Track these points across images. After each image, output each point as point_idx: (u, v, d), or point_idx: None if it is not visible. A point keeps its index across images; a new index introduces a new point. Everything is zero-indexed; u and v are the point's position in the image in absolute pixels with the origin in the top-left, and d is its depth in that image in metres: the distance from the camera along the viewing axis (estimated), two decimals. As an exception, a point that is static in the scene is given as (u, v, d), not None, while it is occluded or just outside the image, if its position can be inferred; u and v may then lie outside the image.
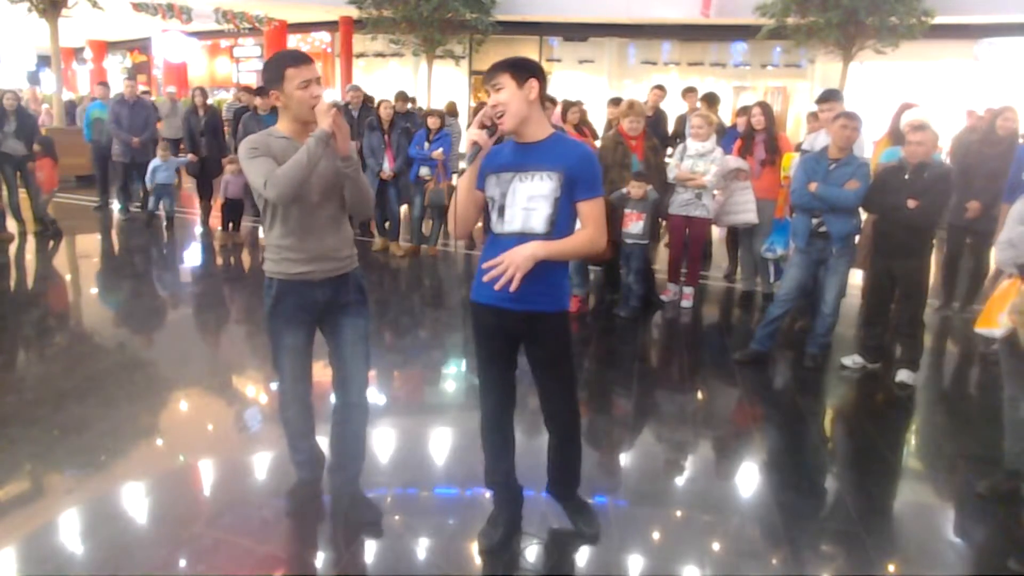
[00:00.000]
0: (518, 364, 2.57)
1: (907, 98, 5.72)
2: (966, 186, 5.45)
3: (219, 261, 7.23)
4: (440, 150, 6.84)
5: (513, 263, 2.25)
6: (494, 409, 2.61)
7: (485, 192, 2.45)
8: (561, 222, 2.36)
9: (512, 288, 2.26)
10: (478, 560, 2.64)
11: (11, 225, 7.50)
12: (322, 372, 2.92)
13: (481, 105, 8.58)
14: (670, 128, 8.36)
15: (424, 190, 6.97)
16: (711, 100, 7.56)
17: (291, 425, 2.84)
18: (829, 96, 5.43)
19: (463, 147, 7.50)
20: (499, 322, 2.45)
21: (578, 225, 2.43)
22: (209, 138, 8.40)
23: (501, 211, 2.39)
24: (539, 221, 2.34)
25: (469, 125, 3.03)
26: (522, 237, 2.33)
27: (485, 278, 2.32)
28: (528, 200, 2.34)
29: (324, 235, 2.61)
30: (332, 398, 2.91)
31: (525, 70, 2.33)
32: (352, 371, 2.77)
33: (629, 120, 5.48)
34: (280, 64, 2.48)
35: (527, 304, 2.38)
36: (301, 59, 2.49)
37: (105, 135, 8.80)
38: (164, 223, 8.26)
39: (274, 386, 2.69)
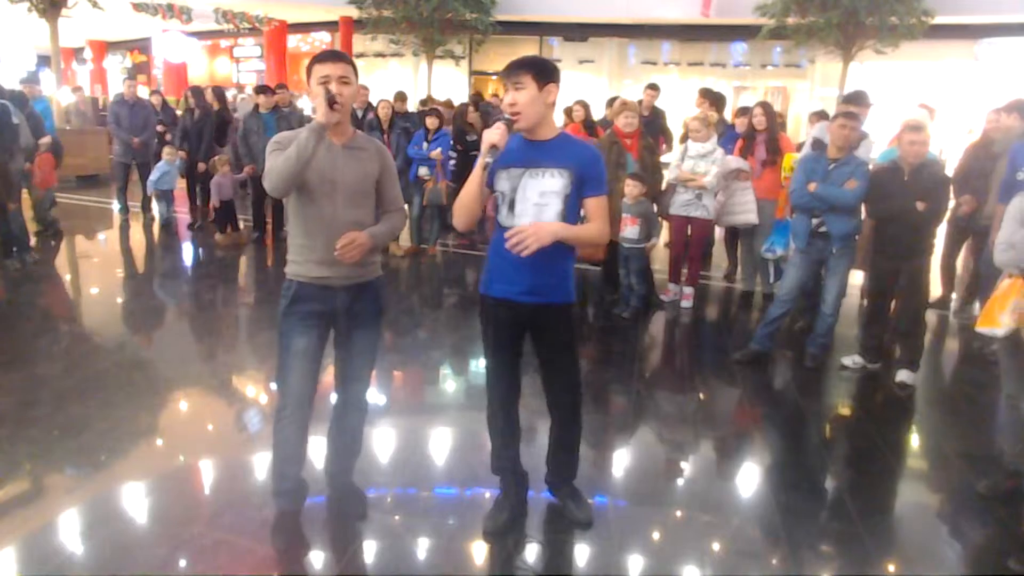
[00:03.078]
0: (523, 354, 2.67)
1: (912, 99, 5.71)
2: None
3: (218, 262, 7.23)
4: (439, 150, 6.83)
5: (536, 236, 2.31)
6: (502, 397, 2.69)
7: (495, 187, 2.50)
8: (570, 218, 2.46)
9: (524, 255, 2.31)
10: (478, 560, 2.64)
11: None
12: (321, 373, 2.90)
13: (478, 95, 8.62)
14: (672, 126, 8.34)
15: (423, 190, 6.96)
16: (714, 100, 7.51)
17: (284, 446, 2.66)
18: (854, 98, 5.38)
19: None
20: (510, 314, 2.54)
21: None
22: (193, 139, 8.34)
23: (511, 205, 2.46)
24: (551, 216, 2.43)
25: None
26: None
27: (508, 244, 2.34)
28: (540, 196, 2.43)
29: None
30: (332, 397, 2.90)
31: (547, 73, 2.40)
32: (355, 376, 2.75)
33: (623, 117, 5.49)
34: (312, 62, 2.48)
35: (538, 296, 2.50)
36: (326, 57, 2.47)
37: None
38: (163, 224, 8.27)
39: (273, 386, 2.64)
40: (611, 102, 7.59)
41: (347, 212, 2.51)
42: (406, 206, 7.49)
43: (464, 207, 2.50)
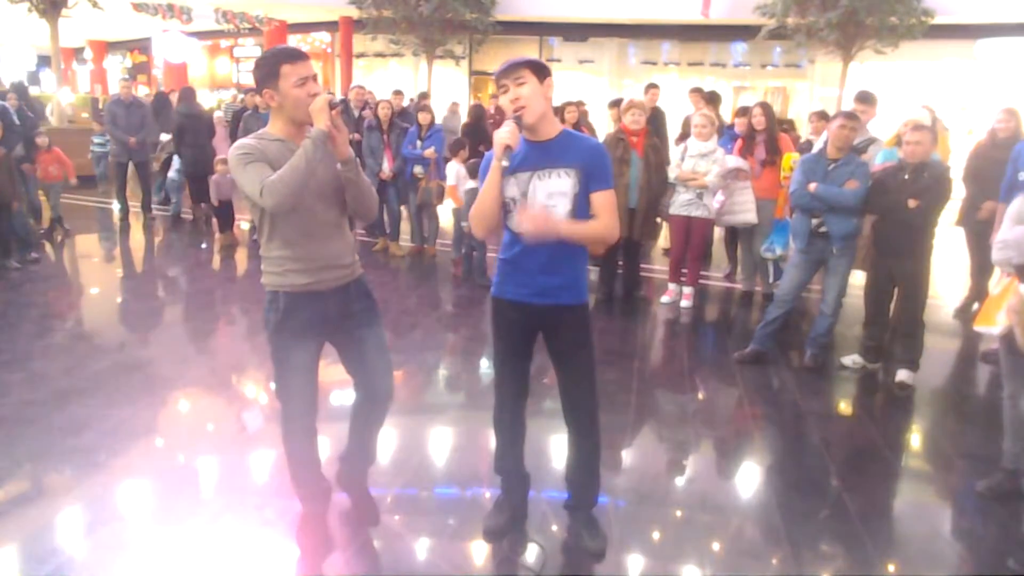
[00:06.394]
0: (533, 357, 2.65)
1: (912, 99, 5.69)
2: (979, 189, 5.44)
3: (218, 262, 7.23)
4: (432, 148, 6.79)
5: (545, 228, 2.33)
6: (511, 399, 2.67)
7: (504, 194, 2.45)
8: (580, 217, 2.44)
9: (528, 238, 2.36)
10: (478, 560, 2.64)
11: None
12: (324, 372, 2.88)
13: (477, 107, 8.66)
14: (670, 126, 8.35)
15: (419, 188, 6.93)
16: (712, 99, 7.55)
17: (297, 454, 2.62)
18: (865, 98, 5.36)
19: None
20: (521, 317, 2.52)
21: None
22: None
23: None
24: (559, 217, 2.40)
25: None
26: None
27: (522, 230, 2.37)
28: (548, 197, 2.41)
29: (327, 242, 2.46)
30: (331, 398, 2.90)
31: (544, 69, 2.42)
32: (380, 381, 2.67)
33: (631, 114, 5.51)
34: (275, 61, 2.31)
35: (550, 298, 2.48)
36: (297, 55, 2.34)
37: None
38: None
39: (273, 385, 2.62)
40: (614, 104, 7.58)
41: (325, 214, 2.44)
42: (403, 206, 7.50)
43: (483, 215, 2.43)
